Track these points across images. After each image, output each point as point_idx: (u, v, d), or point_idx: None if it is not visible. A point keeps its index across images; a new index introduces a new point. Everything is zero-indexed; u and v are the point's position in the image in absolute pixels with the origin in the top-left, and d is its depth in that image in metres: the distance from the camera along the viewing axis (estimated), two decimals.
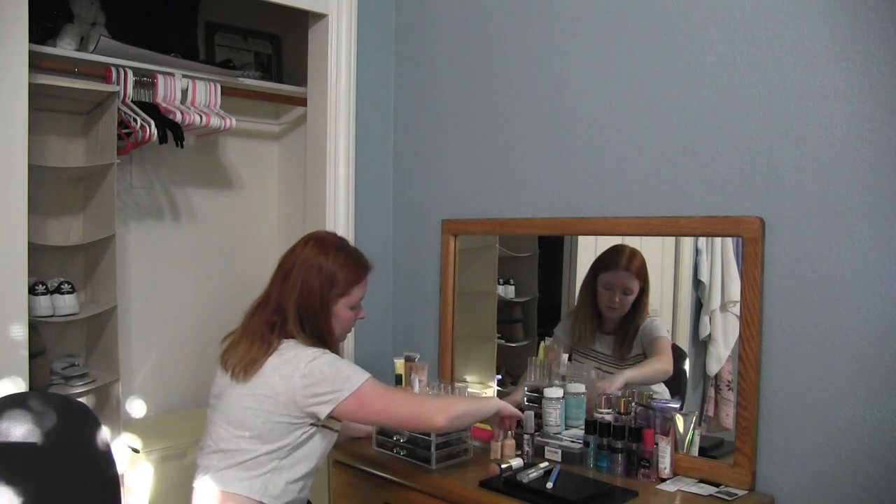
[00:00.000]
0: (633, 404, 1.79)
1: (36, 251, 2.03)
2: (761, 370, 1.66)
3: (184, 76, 2.39)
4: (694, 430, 1.77)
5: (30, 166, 1.89)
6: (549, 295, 2.25)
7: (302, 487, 1.68)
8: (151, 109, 2.28)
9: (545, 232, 2.15)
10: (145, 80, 2.30)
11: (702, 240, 1.86)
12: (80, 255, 2.39)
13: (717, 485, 1.68)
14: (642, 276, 1.97)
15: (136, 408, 2.56)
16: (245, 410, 1.60)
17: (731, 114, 1.72)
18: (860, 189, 1.52)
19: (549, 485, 1.66)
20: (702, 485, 1.69)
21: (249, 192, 2.89)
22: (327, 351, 1.66)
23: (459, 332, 2.35)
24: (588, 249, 2.09)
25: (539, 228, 2.15)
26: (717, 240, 1.82)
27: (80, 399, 2.08)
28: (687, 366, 1.95)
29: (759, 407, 1.66)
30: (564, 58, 2.06)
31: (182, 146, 2.38)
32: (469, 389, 2.11)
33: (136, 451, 2.24)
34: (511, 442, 1.93)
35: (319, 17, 2.46)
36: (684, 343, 1.93)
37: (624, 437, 1.78)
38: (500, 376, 2.32)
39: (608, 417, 1.81)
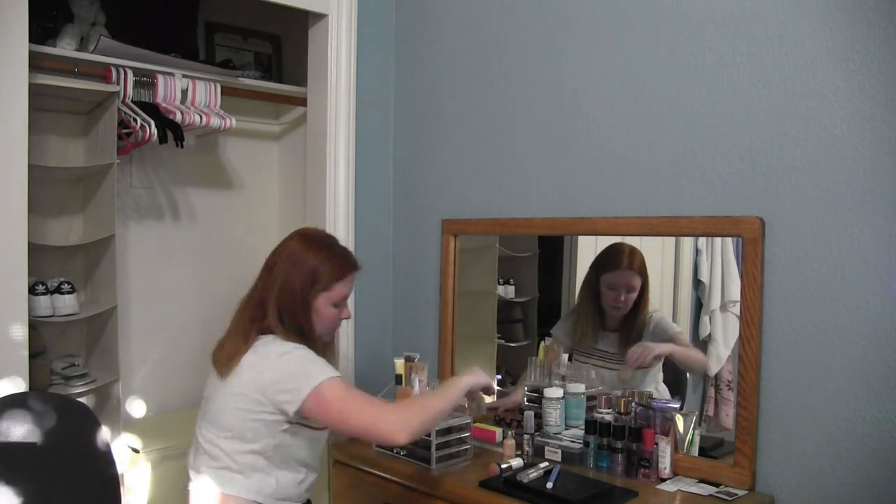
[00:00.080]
0: (633, 404, 1.79)
1: (36, 251, 2.03)
2: (761, 370, 1.66)
3: (184, 76, 2.39)
4: (694, 430, 1.77)
5: (30, 166, 1.89)
6: (549, 295, 2.25)
7: (301, 481, 1.65)
8: (151, 109, 2.28)
9: (545, 232, 2.15)
10: (145, 80, 2.30)
11: (702, 240, 1.86)
12: (80, 255, 2.39)
13: (717, 485, 1.68)
14: (643, 273, 1.98)
15: (136, 408, 2.56)
16: (225, 410, 1.58)
17: (731, 114, 1.72)
18: (860, 189, 1.52)
19: (549, 485, 1.66)
20: (702, 485, 1.69)
21: (249, 192, 2.89)
22: (303, 347, 1.61)
23: (459, 332, 2.35)
24: (588, 249, 2.09)
25: (539, 228, 2.15)
26: (717, 240, 1.82)
27: (80, 399, 2.08)
28: None
29: (759, 407, 1.66)
30: (564, 57, 2.06)
31: (182, 146, 2.38)
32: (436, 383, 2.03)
33: (136, 451, 2.24)
34: (511, 442, 1.93)
35: (319, 17, 2.46)
36: None
37: (624, 437, 1.78)
38: (500, 376, 2.32)
39: (608, 417, 1.81)
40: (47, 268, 2.25)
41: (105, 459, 1.77)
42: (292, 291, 1.63)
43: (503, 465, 1.79)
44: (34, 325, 2.03)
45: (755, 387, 1.65)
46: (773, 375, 1.65)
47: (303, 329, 1.65)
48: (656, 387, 1.96)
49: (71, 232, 2.39)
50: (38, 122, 2.12)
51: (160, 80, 2.32)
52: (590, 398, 1.96)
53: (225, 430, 1.58)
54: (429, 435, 1.83)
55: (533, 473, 1.71)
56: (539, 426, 1.97)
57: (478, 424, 2.04)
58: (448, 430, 1.88)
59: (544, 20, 2.11)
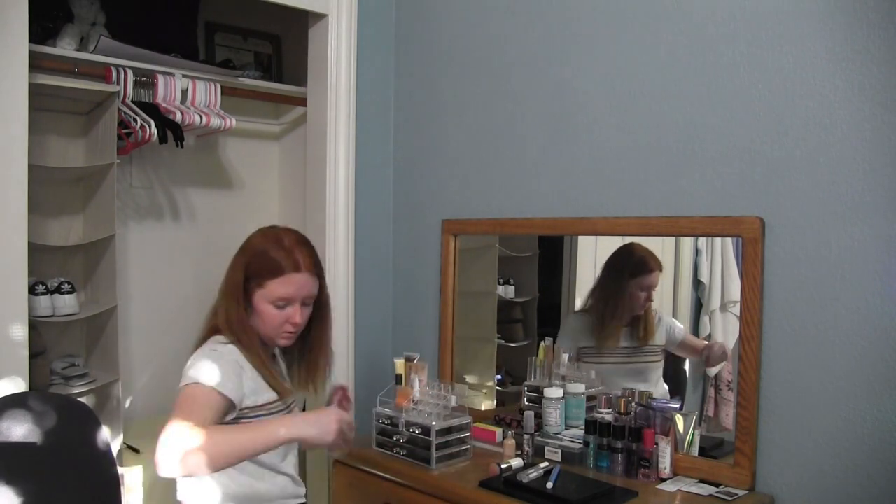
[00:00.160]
0: (633, 404, 1.79)
1: (36, 251, 2.03)
2: (761, 370, 1.66)
3: (184, 76, 2.39)
4: (694, 430, 1.77)
5: (30, 166, 1.89)
6: (549, 295, 2.25)
7: (282, 459, 1.60)
8: (151, 109, 2.28)
9: (545, 232, 2.15)
10: (145, 80, 2.30)
11: (702, 240, 1.86)
12: (80, 255, 2.39)
13: (717, 485, 1.68)
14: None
15: (137, 408, 2.56)
16: None
17: (731, 114, 1.72)
18: (860, 189, 1.52)
19: (549, 485, 1.66)
20: (702, 485, 1.69)
21: (249, 192, 2.89)
22: (220, 351, 1.54)
23: (459, 332, 2.35)
24: (588, 249, 2.09)
25: (539, 228, 2.15)
26: (717, 240, 1.82)
27: (80, 399, 2.08)
28: (687, 366, 1.95)
29: (759, 407, 1.66)
30: (565, 57, 2.06)
31: (182, 146, 2.38)
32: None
33: (136, 450, 2.24)
34: (511, 442, 1.93)
35: (319, 17, 2.46)
36: None
37: (624, 437, 1.78)
38: (500, 376, 2.32)
39: (608, 417, 1.81)
40: (47, 268, 2.24)
41: (105, 459, 1.76)
42: (230, 285, 1.61)
43: (503, 465, 1.79)
44: (34, 325, 2.03)
45: (755, 387, 1.65)
46: (773, 375, 1.65)
47: (245, 328, 1.58)
48: (656, 384, 1.97)
49: (71, 232, 2.39)
50: (38, 122, 2.12)
51: (160, 80, 2.32)
52: (590, 398, 1.96)
53: None
54: (428, 435, 1.83)
55: (533, 473, 1.71)
56: (539, 426, 1.97)
57: (478, 424, 2.04)
58: (448, 430, 1.88)
59: (544, 20, 2.11)
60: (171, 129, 2.32)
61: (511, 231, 2.22)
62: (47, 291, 2.13)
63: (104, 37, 2.26)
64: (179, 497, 1.61)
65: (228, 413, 1.50)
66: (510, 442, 1.93)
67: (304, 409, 2.06)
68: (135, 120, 2.22)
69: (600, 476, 1.78)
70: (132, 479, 2.22)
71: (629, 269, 2.03)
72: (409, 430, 1.89)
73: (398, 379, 2.08)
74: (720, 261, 1.83)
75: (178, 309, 2.67)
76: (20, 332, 1.87)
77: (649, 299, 2.00)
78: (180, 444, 1.37)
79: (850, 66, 1.53)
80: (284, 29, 2.98)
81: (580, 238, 2.10)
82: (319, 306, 1.68)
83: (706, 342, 1.88)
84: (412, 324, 2.53)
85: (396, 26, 2.59)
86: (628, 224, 1.91)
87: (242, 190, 2.87)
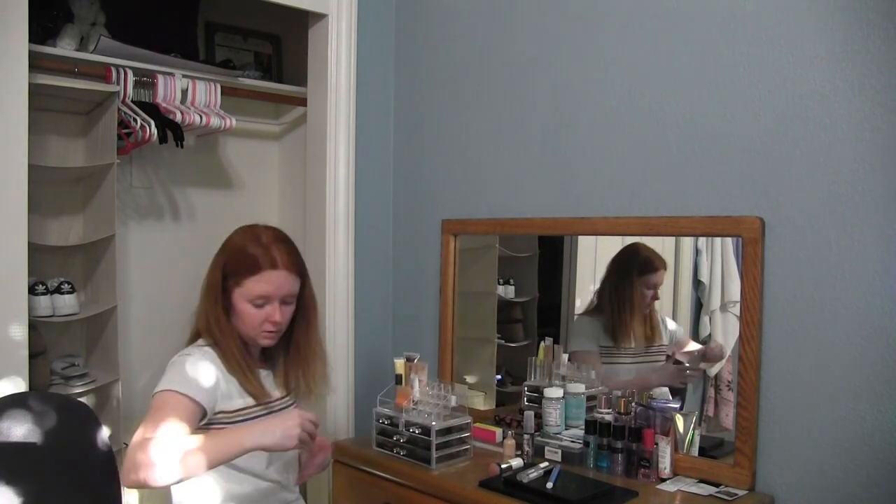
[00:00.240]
0: (633, 404, 1.79)
1: (36, 251, 2.03)
2: (761, 370, 1.66)
3: (184, 76, 2.39)
4: (694, 430, 1.77)
5: (30, 166, 1.89)
6: (549, 295, 2.25)
7: (267, 465, 1.59)
8: (151, 109, 2.28)
9: (545, 232, 2.15)
10: (145, 80, 2.30)
11: (702, 240, 1.86)
12: (80, 255, 2.39)
13: (717, 485, 1.68)
14: None
15: (137, 408, 2.56)
16: None
17: (731, 114, 1.72)
18: (860, 189, 1.52)
19: (549, 485, 1.66)
20: (702, 485, 1.69)
21: (249, 192, 2.89)
22: (194, 356, 1.53)
23: (459, 332, 2.35)
24: (588, 249, 2.09)
25: (539, 228, 2.15)
26: (717, 240, 1.82)
27: (80, 399, 2.08)
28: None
29: (759, 407, 1.66)
30: (564, 58, 2.06)
31: (182, 146, 2.38)
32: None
33: None
34: (511, 442, 1.93)
35: (319, 17, 2.46)
36: None
37: (624, 437, 1.78)
38: (500, 376, 2.32)
39: (608, 417, 1.81)
40: (47, 268, 2.24)
41: (105, 459, 1.76)
42: (208, 285, 1.60)
43: (503, 465, 1.79)
44: (34, 325, 2.03)
45: (755, 387, 1.65)
46: (772, 375, 1.65)
47: (223, 329, 1.57)
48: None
49: (71, 232, 2.39)
50: (38, 122, 2.12)
51: (160, 80, 2.32)
52: (590, 398, 1.96)
53: None
54: (428, 435, 1.83)
55: (533, 473, 1.71)
56: (539, 426, 1.97)
57: (478, 424, 2.04)
58: (448, 431, 1.88)
59: (544, 20, 2.11)
60: (171, 129, 2.32)
61: (511, 231, 2.22)
62: (47, 291, 2.13)
63: (104, 37, 2.26)
64: (175, 499, 1.61)
65: (202, 419, 1.49)
66: (510, 442, 1.93)
67: None
68: (135, 120, 2.22)
69: (600, 476, 1.78)
70: None
71: (636, 267, 2.03)
72: (409, 430, 1.89)
73: (398, 379, 2.08)
74: (720, 261, 1.83)
75: (178, 309, 2.64)
76: (20, 331, 1.87)
77: (655, 297, 2.01)
78: (143, 454, 1.34)
79: (850, 65, 1.53)
80: (284, 29, 2.98)
81: (580, 238, 2.10)
82: (302, 305, 1.66)
83: (700, 345, 1.89)
84: (412, 324, 2.53)
85: (396, 26, 2.59)
86: (628, 224, 1.91)
87: (242, 190, 2.87)
